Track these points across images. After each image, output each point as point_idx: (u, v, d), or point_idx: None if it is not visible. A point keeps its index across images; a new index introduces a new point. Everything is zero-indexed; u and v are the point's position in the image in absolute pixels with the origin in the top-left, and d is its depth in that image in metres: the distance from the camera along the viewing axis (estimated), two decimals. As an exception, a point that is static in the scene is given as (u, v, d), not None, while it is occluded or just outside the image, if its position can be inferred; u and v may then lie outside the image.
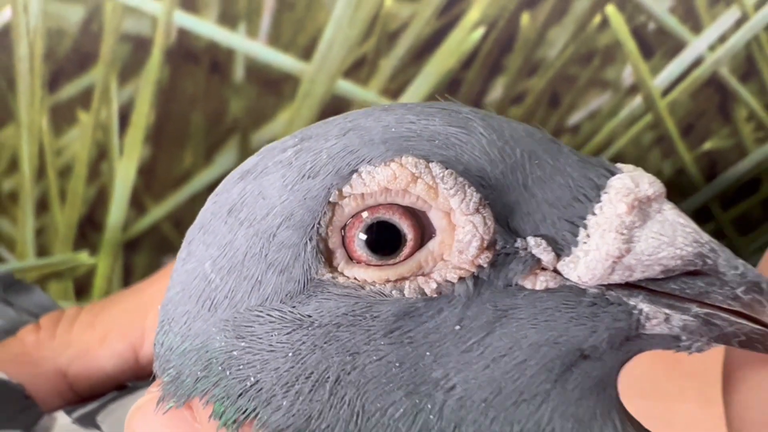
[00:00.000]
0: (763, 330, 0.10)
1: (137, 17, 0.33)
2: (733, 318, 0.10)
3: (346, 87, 0.35)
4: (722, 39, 0.37)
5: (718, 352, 0.12)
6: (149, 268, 0.39)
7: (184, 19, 0.33)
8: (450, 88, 0.36)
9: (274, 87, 0.35)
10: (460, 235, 0.09)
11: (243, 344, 0.09)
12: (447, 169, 0.10)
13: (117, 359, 0.20)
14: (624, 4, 0.36)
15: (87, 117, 0.34)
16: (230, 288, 0.09)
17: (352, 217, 0.09)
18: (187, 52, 0.34)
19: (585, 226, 0.10)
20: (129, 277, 0.39)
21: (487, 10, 0.35)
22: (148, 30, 0.33)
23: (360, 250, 0.10)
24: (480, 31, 0.36)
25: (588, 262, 0.10)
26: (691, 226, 0.10)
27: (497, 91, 0.36)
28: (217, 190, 0.12)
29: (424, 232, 0.09)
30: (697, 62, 0.37)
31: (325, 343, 0.09)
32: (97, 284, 0.39)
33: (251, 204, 0.10)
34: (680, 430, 0.15)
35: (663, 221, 0.10)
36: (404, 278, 0.10)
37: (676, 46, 0.37)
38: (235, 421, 0.10)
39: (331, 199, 0.09)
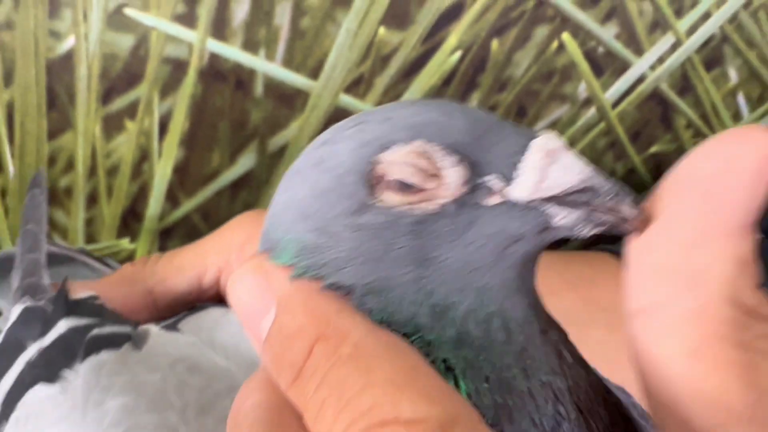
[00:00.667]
0: (619, 218, 0.17)
1: (176, 44, 0.37)
2: (604, 214, 0.17)
3: (347, 101, 0.40)
4: (661, 60, 0.42)
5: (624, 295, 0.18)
6: None
7: (215, 46, 0.38)
8: None
9: (287, 101, 0.40)
10: (448, 179, 0.16)
11: (324, 238, 0.17)
12: (439, 146, 0.16)
13: (187, 285, 0.28)
14: (577, 32, 0.40)
15: (132, 125, 0.39)
16: (317, 208, 0.16)
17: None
18: (216, 72, 0.39)
19: (519, 168, 0.17)
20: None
21: (463, 37, 0.40)
22: (185, 54, 0.38)
23: (393, 187, 0.16)
24: (457, 55, 0.40)
25: (520, 187, 0.17)
26: (581, 163, 0.17)
27: (473, 104, 0.41)
28: (307, 150, 0.18)
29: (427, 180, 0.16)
30: (640, 79, 0.42)
31: (371, 238, 0.16)
32: None
33: (329, 160, 0.17)
34: (590, 350, 0.21)
35: (564, 161, 0.16)
36: (417, 203, 0.17)
37: (622, 66, 0.42)
38: (307, 275, 0.17)
39: (375, 159, 0.16)
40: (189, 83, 0.38)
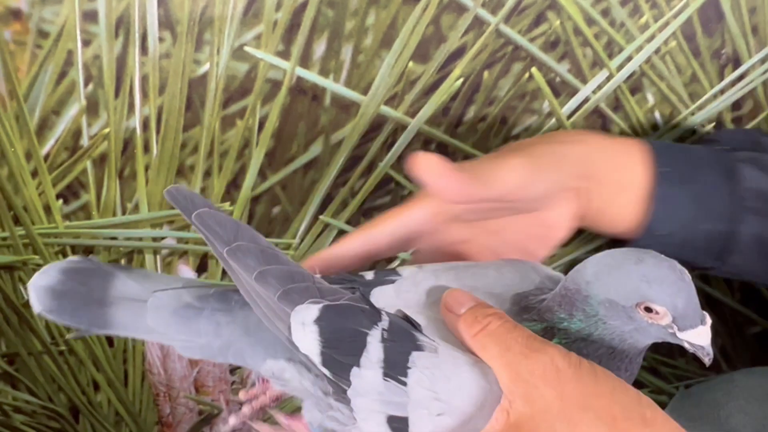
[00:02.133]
0: (704, 355, 0.32)
1: (276, 70, 0.48)
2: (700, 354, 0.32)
3: (386, 110, 0.50)
4: (599, 87, 0.51)
5: None
6: (264, 215, 0.51)
7: (301, 71, 0.48)
8: (443, 112, 0.51)
9: (345, 109, 0.49)
10: (665, 319, 0.31)
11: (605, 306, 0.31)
12: (670, 311, 0.31)
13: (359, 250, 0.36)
14: (541, 67, 0.50)
15: (241, 123, 0.49)
16: (615, 291, 0.31)
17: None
18: (300, 89, 0.48)
19: (690, 329, 0.32)
20: (251, 219, 0.51)
21: (465, 69, 0.49)
22: (280, 77, 0.48)
23: (642, 310, 0.32)
24: (460, 81, 0.49)
25: (685, 335, 0.32)
26: (709, 340, 0.31)
27: (470, 114, 0.51)
28: (629, 253, 0.31)
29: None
30: (585, 100, 0.51)
31: (617, 320, 0.31)
32: None
33: (635, 275, 0.30)
34: None
35: (705, 334, 0.31)
36: (647, 320, 0.31)
37: (573, 91, 0.51)
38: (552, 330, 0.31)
39: (647, 298, 0.30)
40: (281, 96, 0.48)
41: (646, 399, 0.30)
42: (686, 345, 0.32)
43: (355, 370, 0.29)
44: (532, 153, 0.38)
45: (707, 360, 0.32)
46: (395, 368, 0.29)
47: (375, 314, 0.30)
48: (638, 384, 0.64)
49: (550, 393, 0.28)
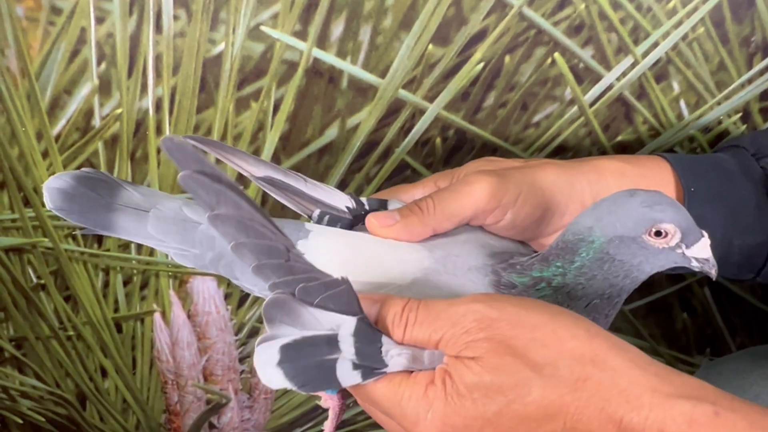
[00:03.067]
0: (709, 269, 0.34)
1: (292, 51, 0.48)
2: (708, 268, 0.34)
3: (404, 94, 0.50)
4: (624, 74, 0.51)
5: None
6: (277, 200, 0.49)
7: (318, 53, 0.48)
8: (462, 97, 0.51)
9: (362, 92, 0.50)
10: (675, 239, 0.34)
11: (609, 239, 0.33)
12: (679, 229, 0.34)
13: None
14: (564, 52, 0.50)
15: (255, 105, 0.49)
16: (620, 224, 0.32)
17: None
18: (316, 71, 0.49)
19: (693, 245, 0.35)
20: (264, 204, 0.52)
21: (485, 53, 0.49)
22: (297, 58, 0.48)
23: (653, 235, 0.33)
24: (481, 65, 0.50)
25: (691, 251, 0.35)
26: (710, 249, 0.33)
27: (490, 100, 0.51)
28: (632, 193, 0.34)
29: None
30: (609, 87, 0.51)
31: (626, 249, 0.33)
32: None
33: (639, 207, 0.32)
34: None
35: (706, 244, 0.34)
36: (657, 244, 0.34)
37: (597, 78, 0.51)
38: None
39: (657, 222, 0.33)
40: (297, 78, 0.48)
41: (579, 316, 0.31)
42: (694, 264, 0.34)
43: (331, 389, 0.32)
44: (518, 177, 0.37)
45: (713, 273, 0.33)
46: (373, 359, 0.30)
47: (333, 340, 0.30)
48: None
49: (492, 340, 0.29)
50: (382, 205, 0.38)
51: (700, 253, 0.33)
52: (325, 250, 0.34)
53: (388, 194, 0.39)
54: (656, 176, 0.41)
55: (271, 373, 0.30)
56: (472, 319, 0.30)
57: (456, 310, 0.30)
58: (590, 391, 0.29)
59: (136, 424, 0.60)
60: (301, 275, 0.30)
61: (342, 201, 0.37)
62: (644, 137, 0.53)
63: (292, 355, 0.30)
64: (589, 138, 0.53)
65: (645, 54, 0.51)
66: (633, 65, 0.51)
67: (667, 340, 0.61)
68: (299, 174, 0.37)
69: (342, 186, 0.54)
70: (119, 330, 0.57)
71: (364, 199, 0.39)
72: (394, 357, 0.30)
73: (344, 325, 0.30)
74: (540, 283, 0.34)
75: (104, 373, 0.58)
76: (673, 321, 0.61)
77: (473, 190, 0.36)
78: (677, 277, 0.60)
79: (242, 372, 0.60)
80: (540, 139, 0.54)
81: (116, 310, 0.57)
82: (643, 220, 0.32)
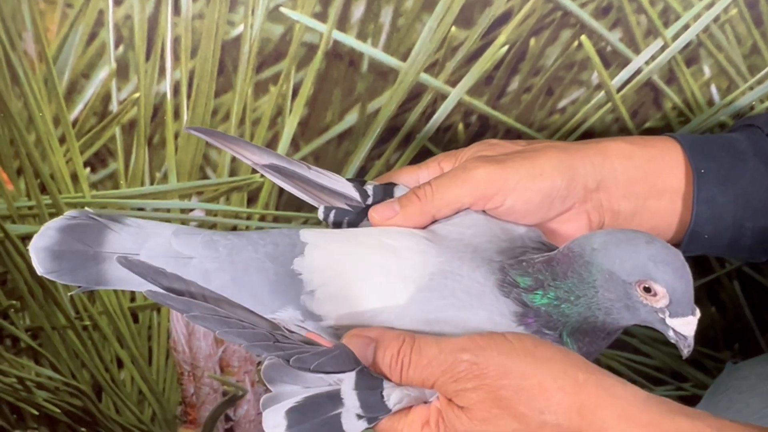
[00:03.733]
0: (685, 346, 0.33)
1: (312, 33, 0.49)
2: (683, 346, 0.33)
3: (426, 78, 0.50)
4: (653, 58, 0.50)
5: None
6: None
7: (337, 35, 0.48)
8: (486, 81, 0.50)
9: (383, 75, 0.49)
10: (661, 301, 0.33)
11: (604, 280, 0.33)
12: (670, 293, 0.34)
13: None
14: (591, 35, 0.50)
15: (274, 89, 0.50)
16: (618, 267, 0.33)
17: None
18: (336, 54, 0.49)
19: (680, 317, 0.35)
20: (282, 191, 0.50)
21: (510, 35, 0.49)
22: (317, 40, 0.48)
23: (642, 291, 0.33)
24: (505, 48, 0.49)
25: (674, 323, 0.35)
26: (694, 330, 0.34)
27: (514, 84, 0.51)
28: (635, 234, 0.34)
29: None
30: (638, 72, 0.50)
31: (612, 295, 0.33)
32: (262, 196, 0.52)
33: (638, 253, 0.33)
34: None
35: (691, 325, 0.34)
36: (645, 301, 0.33)
37: (625, 62, 0.50)
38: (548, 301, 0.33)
39: (649, 278, 0.32)
40: (317, 61, 0.48)
41: (573, 358, 0.32)
42: (670, 333, 0.33)
43: None
44: (517, 162, 0.38)
45: (686, 352, 0.33)
46: (377, 409, 0.32)
47: (335, 396, 0.32)
48: (681, 377, 0.62)
49: (481, 390, 0.31)
50: (388, 192, 0.38)
51: (682, 329, 0.33)
52: (324, 266, 0.34)
53: (393, 176, 0.40)
54: (665, 158, 0.40)
55: None
56: (461, 368, 0.31)
57: (445, 359, 0.31)
58: None
59: (152, 416, 0.60)
60: (290, 351, 0.31)
61: (346, 188, 0.38)
62: (673, 123, 0.52)
63: (298, 419, 0.31)
64: (617, 124, 0.52)
65: (675, 37, 0.50)
66: (662, 48, 0.50)
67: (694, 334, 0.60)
68: (303, 162, 0.38)
69: (362, 173, 0.54)
70: (135, 320, 0.57)
71: (369, 186, 0.39)
72: (397, 403, 0.32)
73: (345, 381, 0.32)
74: (538, 288, 0.34)
75: (120, 363, 0.58)
76: (701, 315, 0.60)
77: (471, 177, 0.36)
78: (705, 269, 0.58)
79: (259, 363, 0.60)
80: (565, 126, 0.53)
81: (132, 299, 0.56)
82: (640, 269, 0.32)
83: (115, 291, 0.56)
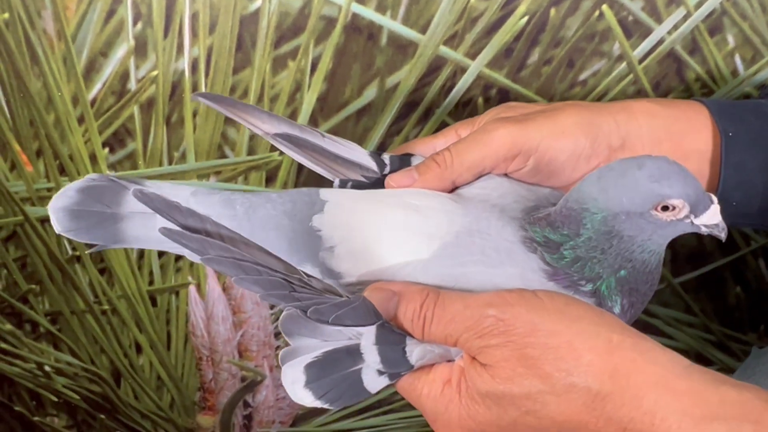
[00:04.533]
0: (717, 233, 0.34)
1: (330, 6, 0.49)
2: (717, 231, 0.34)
3: (445, 50, 0.50)
4: (675, 27, 0.50)
5: None
6: None
7: (356, 7, 0.48)
8: (506, 54, 0.51)
9: (402, 49, 0.50)
10: (683, 212, 0.34)
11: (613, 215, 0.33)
12: (686, 202, 0.34)
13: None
14: (613, 4, 0.50)
15: (293, 64, 0.50)
16: (623, 196, 0.32)
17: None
18: (355, 27, 0.49)
19: (702, 213, 0.34)
20: (301, 169, 0.52)
21: (530, 6, 0.49)
22: (335, 13, 0.49)
23: (659, 210, 0.33)
24: (525, 19, 0.49)
25: (700, 219, 0.34)
26: (719, 215, 0.33)
27: (535, 56, 0.51)
28: (636, 160, 0.33)
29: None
30: (660, 42, 0.50)
31: (632, 224, 0.33)
32: (281, 175, 0.52)
33: (647, 181, 0.32)
34: None
35: (716, 211, 0.34)
36: (666, 218, 0.33)
37: (646, 32, 0.50)
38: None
39: (663, 197, 0.32)
40: (336, 35, 0.48)
41: (608, 318, 0.30)
42: (703, 229, 0.33)
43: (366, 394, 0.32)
44: (539, 122, 0.37)
45: (723, 235, 0.33)
46: (397, 364, 0.31)
47: (354, 350, 0.31)
48: (706, 361, 0.61)
49: (506, 348, 0.30)
50: (405, 162, 0.38)
51: (710, 220, 0.33)
52: (344, 222, 0.34)
53: (409, 147, 0.39)
54: (691, 119, 0.39)
55: (301, 395, 0.31)
56: (487, 324, 0.30)
57: (471, 314, 0.30)
58: (610, 411, 0.28)
59: (171, 402, 0.60)
60: (308, 302, 0.31)
61: (362, 157, 0.37)
62: (697, 95, 0.52)
63: (317, 374, 0.31)
64: (639, 96, 0.52)
65: (698, 5, 0.50)
66: (685, 17, 0.50)
67: (719, 315, 0.59)
68: (316, 129, 0.38)
69: (381, 148, 0.54)
70: (154, 303, 0.57)
71: (386, 156, 0.38)
72: (420, 359, 0.31)
73: (366, 335, 0.31)
74: (555, 250, 0.33)
75: (139, 348, 0.58)
76: (726, 295, 0.59)
77: (492, 138, 0.36)
78: (730, 248, 0.58)
79: (277, 348, 0.60)
80: (587, 98, 0.53)
81: (151, 282, 0.56)
82: (651, 195, 0.32)
83: (134, 273, 0.56)
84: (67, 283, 0.56)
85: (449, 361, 0.32)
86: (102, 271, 0.55)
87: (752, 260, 0.58)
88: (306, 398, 0.31)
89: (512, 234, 0.33)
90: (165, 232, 0.30)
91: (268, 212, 0.34)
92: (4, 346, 0.57)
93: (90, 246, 0.34)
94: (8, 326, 0.57)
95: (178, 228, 0.30)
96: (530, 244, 0.33)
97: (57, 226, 0.33)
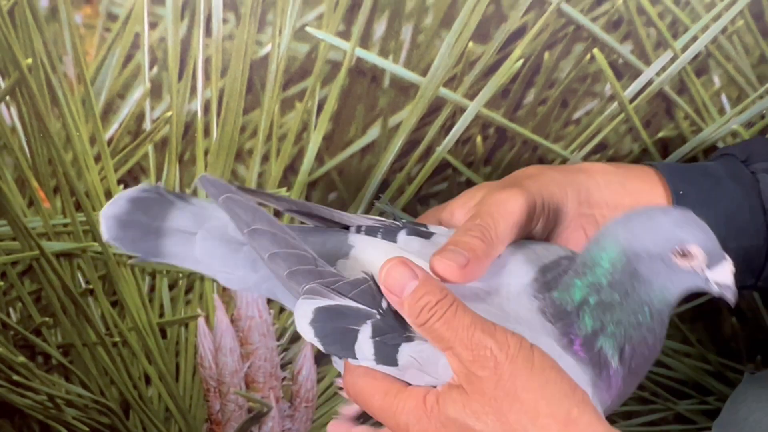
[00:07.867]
0: (728, 297, 0.34)
1: (336, 51, 0.50)
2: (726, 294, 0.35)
3: (445, 92, 0.51)
4: (663, 69, 0.52)
5: None
6: (320, 200, 0.53)
7: (360, 52, 0.50)
8: (503, 95, 0.52)
9: (404, 91, 0.51)
10: (698, 259, 0.34)
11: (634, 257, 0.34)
12: (704, 251, 0.35)
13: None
14: (603, 48, 0.52)
15: (300, 105, 0.51)
16: (645, 240, 0.33)
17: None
18: (359, 70, 0.50)
19: (715, 268, 0.35)
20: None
21: (525, 50, 0.51)
22: (340, 57, 0.50)
23: (678, 256, 0.33)
24: (520, 62, 0.51)
25: (712, 274, 0.35)
26: (732, 275, 0.34)
27: (530, 97, 0.53)
28: (658, 210, 0.34)
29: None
30: (649, 83, 0.52)
31: (650, 267, 0.33)
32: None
33: (666, 226, 0.33)
34: None
35: (728, 269, 0.35)
36: (683, 264, 0.34)
37: (636, 73, 0.52)
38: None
39: (683, 243, 0.33)
40: (341, 77, 0.50)
41: (579, 395, 0.32)
42: (713, 287, 0.34)
43: (351, 359, 0.34)
44: (533, 185, 0.38)
45: (731, 298, 0.34)
46: (387, 360, 0.33)
47: (363, 314, 0.33)
48: (704, 390, 0.62)
49: (487, 383, 0.31)
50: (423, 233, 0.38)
51: (722, 278, 0.34)
52: (363, 269, 0.35)
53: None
54: (644, 179, 0.41)
55: (304, 328, 0.33)
56: (482, 353, 0.32)
57: (474, 335, 0.32)
58: None
59: (178, 434, 0.61)
60: (328, 278, 0.33)
61: (375, 221, 0.38)
62: (686, 133, 0.54)
63: (323, 317, 0.33)
64: (630, 134, 0.54)
65: (684, 48, 0.52)
66: (672, 60, 0.52)
67: (715, 346, 0.60)
68: (322, 206, 0.39)
69: (384, 186, 0.55)
70: (164, 336, 0.58)
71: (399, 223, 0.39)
72: (406, 357, 0.32)
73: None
74: (583, 305, 0.34)
75: (148, 380, 0.59)
76: (722, 326, 0.60)
77: (511, 207, 0.36)
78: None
79: (284, 379, 0.60)
80: (581, 136, 0.55)
81: (161, 315, 0.58)
82: (673, 238, 0.33)
83: (144, 306, 0.57)
84: (79, 316, 0.57)
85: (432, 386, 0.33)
86: (114, 304, 0.56)
87: (746, 292, 0.59)
88: (307, 333, 0.33)
89: (527, 302, 0.34)
90: (225, 200, 0.33)
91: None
92: (16, 378, 0.58)
93: (130, 257, 0.36)
94: (21, 358, 0.57)
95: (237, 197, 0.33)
96: (547, 314, 0.34)
97: (105, 233, 0.34)
